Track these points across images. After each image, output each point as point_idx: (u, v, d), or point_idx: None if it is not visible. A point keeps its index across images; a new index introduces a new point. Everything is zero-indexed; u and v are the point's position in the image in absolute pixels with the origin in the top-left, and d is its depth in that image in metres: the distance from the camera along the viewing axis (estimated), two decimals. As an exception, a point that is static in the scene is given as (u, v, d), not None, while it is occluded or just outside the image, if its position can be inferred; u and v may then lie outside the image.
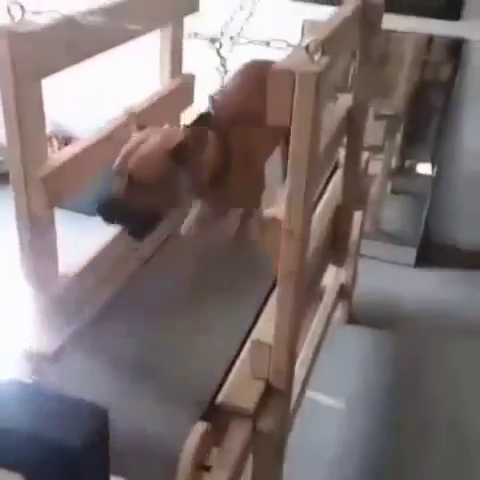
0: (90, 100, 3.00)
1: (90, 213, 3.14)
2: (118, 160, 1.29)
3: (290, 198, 1.11)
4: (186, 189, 1.34)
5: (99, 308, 1.51)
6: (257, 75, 1.70)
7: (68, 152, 1.43)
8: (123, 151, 1.30)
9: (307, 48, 1.02)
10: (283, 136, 1.78)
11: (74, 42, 1.31)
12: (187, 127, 1.41)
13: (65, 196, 1.39)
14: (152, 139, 1.29)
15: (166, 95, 1.83)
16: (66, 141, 3.04)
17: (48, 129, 3.09)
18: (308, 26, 2.67)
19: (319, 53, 1.02)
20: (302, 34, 2.65)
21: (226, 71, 1.30)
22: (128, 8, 1.55)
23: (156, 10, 1.70)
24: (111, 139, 1.56)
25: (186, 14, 1.84)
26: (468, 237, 2.88)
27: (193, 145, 1.30)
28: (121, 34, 1.52)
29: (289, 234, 1.14)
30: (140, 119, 1.70)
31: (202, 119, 1.43)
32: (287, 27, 2.53)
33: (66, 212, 2.75)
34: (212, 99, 1.45)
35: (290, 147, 1.07)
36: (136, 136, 1.31)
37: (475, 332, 2.51)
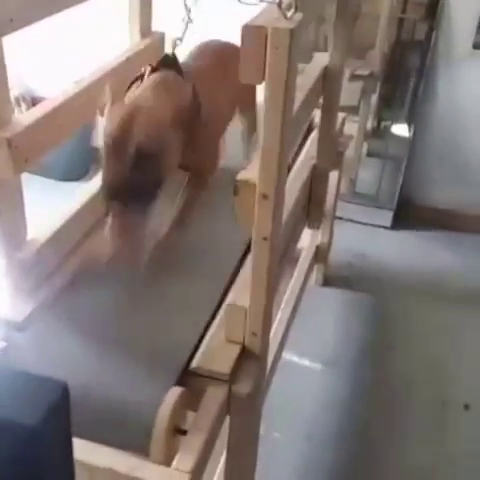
0: (60, 61, 2.91)
1: (59, 178, 3.11)
2: (114, 131, 1.21)
3: (263, 160, 1.08)
4: (180, 150, 1.30)
5: (70, 275, 1.49)
6: (216, 49, 1.66)
7: (34, 113, 1.37)
8: (115, 121, 1.22)
9: (280, 4, 0.99)
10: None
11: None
12: (153, 69, 1.37)
13: (32, 160, 1.35)
14: (144, 108, 1.23)
15: (136, 53, 1.78)
16: (35, 103, 2.95)
17: (16, 91, 3.03)
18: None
19: (292, 9, 0.98)
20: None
21: (191, 21, 1.25)
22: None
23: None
24: (79, 100, 1.51)
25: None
26: (443, 198, 2.89)
27: (192, 110, 1.28)
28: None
29: (263, 198, 1.12)
30: (111, 78, 1.66)
31: (169, 61, 1.39)
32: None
33: (35, 177, 2.72)
34: (175, 43, 1.40)
35: (263, 107, 1.04)
36: (121, 105, 1.25)
37: (450, 293, 2.54)
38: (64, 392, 0.50)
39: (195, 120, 1.36)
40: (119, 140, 1.21)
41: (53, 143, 1.42)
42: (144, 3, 1.82)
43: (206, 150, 1.53)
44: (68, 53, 2.89)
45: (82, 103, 1.52)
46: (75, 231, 1.56)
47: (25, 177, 1.39)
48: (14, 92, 3.00)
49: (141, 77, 1.39)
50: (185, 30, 1.33)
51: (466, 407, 2.03)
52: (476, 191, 2.83)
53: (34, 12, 1.30)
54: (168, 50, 1.52)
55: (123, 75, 1.70)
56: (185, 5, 1.15)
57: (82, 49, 2.80)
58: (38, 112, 1.38)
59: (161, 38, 1.91)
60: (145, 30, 1.87)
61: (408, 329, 2.35)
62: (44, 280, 1.43)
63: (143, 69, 1.41)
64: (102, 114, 1.26)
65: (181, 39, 1.40)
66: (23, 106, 3.04)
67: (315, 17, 1.36)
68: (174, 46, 1.40)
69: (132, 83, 1.39)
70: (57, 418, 0.49)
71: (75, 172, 3.11)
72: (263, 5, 1.05)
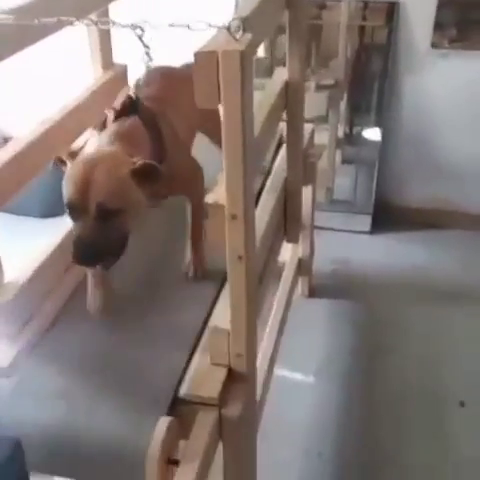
0: (29, 99, 2.91)
1: (38, 215, 3.09)
2: (73, 194, 1.21)
3: (229, 182, 1.09)
4: (144, 201, 1.30)
5: (52, 314, 1.48)
6: (167, 74, 1.67)
7: (0, 156, 1.38)
8: (73, 183, 1.22)
9: (229, 28, 1.00)
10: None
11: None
12: (117, 115, 1.37)
13: (1, 201, 1.34)
14: (101, 166, 1.23)
15: (100, 87, 1.79)
16: (6, 142, 2.95)
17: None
18: (242, 3, 2.63)
19: (241, 31, 0.99)
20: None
21: (151, 59, 1.26)
22: (52, 2, 1.50)
23: (82, 1, 1.64)
24: (47, 139, 1.52)
25: (110, 1, 1.79)
26: (418, 197, 2.91)
27: (153, 167, 1.27)
28: (44, 29, 1.46)
29: (232, 218, 1.12)
30: (77, 114, 1.67)
31: (131, 105, 1.40)
32: (223, 5, 2.50)
33: (12, 216, 2.70)
34: (138, 85, 1.41)
35: (223, 128, 1.04)
36: (77, 165, 1.24)
37: (437, 291, 2.54)
38: (16, 448, 0.49)
39: (160, 151, 1.36)
40: (79, 201, 1.20)
41: (22, 184, 1.42)
42: (104, 36, 1.84)
43: (184, 170, 1.52)
44: (37, 90, 2.89)
45: (49, 142, 1.53)
46: (55, 269, 1.55)
47: (1, 217, 1.39)
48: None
49: (105, 123, 1.39)
50: (146, 70, 1.33)
51: (462, 404, 2.03)
52: (448, 187, 2.85)
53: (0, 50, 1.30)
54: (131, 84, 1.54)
55: (89, 109, 1.71)
56: (143, 44, 1.15)
57: (50, 85, 2.80)
58: (4, 154, 1.38)
59: (123, 70, 1.92)
60: (107, 63, 1.88)
61: (398, 331, 2.35)
62: (26, 322, 1.42)
63: (107, 114, 1.41)
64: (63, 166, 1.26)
65: (144, 79, 1.41)
66: (-6, 147, 3.03)
67: (267, 35, 1.38)
68: (137, 86, 1.40)
69: (99, 128, 1.39)
70: (7, 475, 0.49)
71: (54, 208, 3.08)
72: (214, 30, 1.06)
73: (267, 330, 1.94)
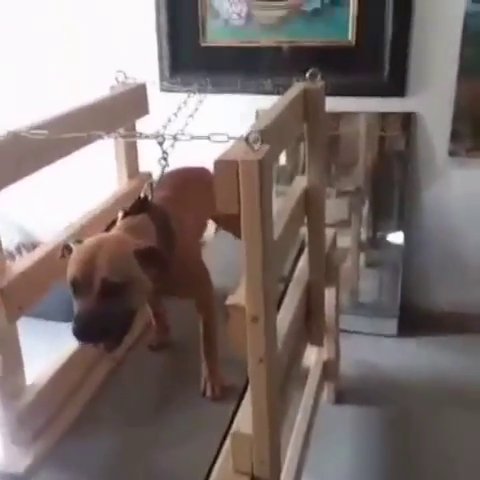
0: (58, 206, 3.03)
1: (62, 319, 3.12)
2: (78, 271, 1.24)
3: (249, 285, 1.11)
4: (148, 283, 1.32)
5: (70, 419, 1.47)
6: (185, 175, 1.78)
7: (26, 261, 1.43)
8: (78, 262, 1.25)
9: (247, 139, 1.06)
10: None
11: (24, 156, 1.33)
12: (126, 212, 1.43)
13: (26, 307, 1.37)
14: (106, 246, 1.27)
15: (124, 195, 1.87)
16: (34, 248, 3.04)
17: (17, 239, 3.13)
18: (262, 115, 2.76)
19: (259, 142, 1.05)
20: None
21: (167, 164, 1.35)
22: (82, 117, 1.61)
23: (111, 117, 1.76)
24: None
25: (138, 117, 1.91)
26: (445, 301, 2.89)
27: (156, 252, 1.32)
28: (74, 143, 1.56)
29: (253, 320, 1.13)
30: (101, 220, 1.73)
31: (141, 203, 1.46)
32: (242, 119, 2.62)
33: (37, 320, 2.73)
34: (151, 186, 1.47)
35: (242, 234, 1.08)
36: (82, 247, 1.28)
37: (467, 400, 2.44)
38: None
39: (170, 251, 1.40)
40: (84, 277, 1.22)
41: (46, 289, 1.45)
42: (130, 147, 1.94)
43: (191, 273, 1.54)
44: (65, 198, 3.02)
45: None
46: (74, 373, 1.55)
47: (26, 322, 1.41)
48: (15, 240, 3.11)
49: (115, 222, 1.45)
50: (161, 174, 1.40)
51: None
52: (474, 290, 2.83)
53: (24, 169, 1.38)
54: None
55: (112, 217, 1.78)
56: (162, 150, 1.23)
57: (78, 193, 2.93)
58: (29, 260, 1.43)
59: (148, 178, 2.01)
60: (132, 171, 1.98)
61: (430, 440, 2.25)
62: (43, 427, 1.41)
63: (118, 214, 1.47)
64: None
65: (158, 182, 1.47)
66: (24, 253, 3.12)
67: (285, 145, 1.45)
68: (150, 189, 1.46)
69: (107, 228, 1.45)
70: None
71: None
72: (232, 141, 1.12)
73: (293, 437, 1.88)
